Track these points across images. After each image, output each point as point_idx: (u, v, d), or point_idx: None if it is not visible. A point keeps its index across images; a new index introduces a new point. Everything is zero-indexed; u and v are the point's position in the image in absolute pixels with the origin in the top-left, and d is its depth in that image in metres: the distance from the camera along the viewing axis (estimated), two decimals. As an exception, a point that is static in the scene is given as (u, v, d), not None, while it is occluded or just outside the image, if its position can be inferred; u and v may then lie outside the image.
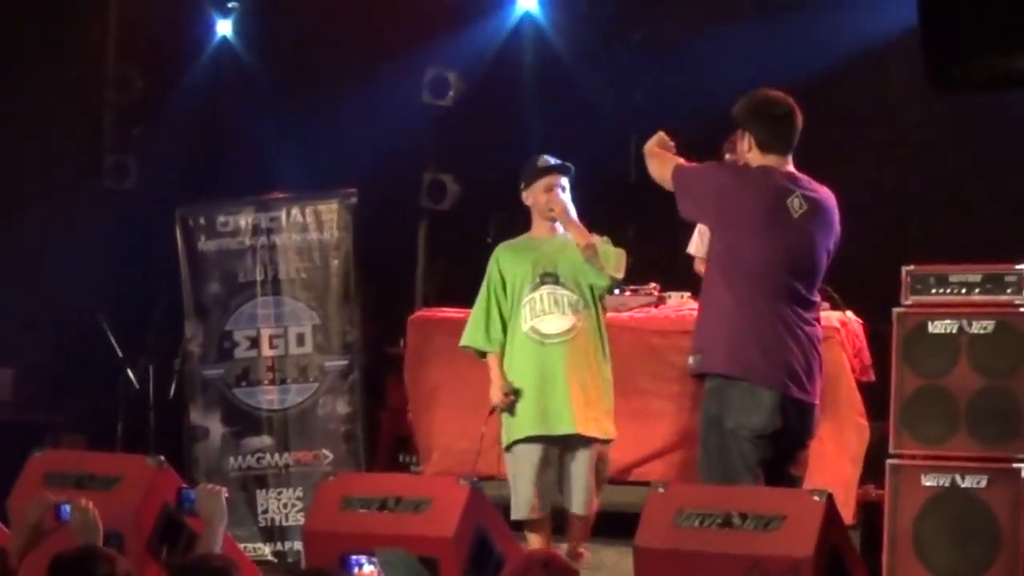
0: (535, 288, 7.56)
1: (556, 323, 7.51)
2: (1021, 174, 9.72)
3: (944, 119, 9.71)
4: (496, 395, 7.53)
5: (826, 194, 6.66)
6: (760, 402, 6.34)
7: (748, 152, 6.59)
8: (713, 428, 6.39)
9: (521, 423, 7.50)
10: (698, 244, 8.92)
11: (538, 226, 7.73)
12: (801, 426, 6.48)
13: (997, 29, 3.92)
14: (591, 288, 7.54)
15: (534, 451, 7.46)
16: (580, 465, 7.43)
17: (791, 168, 6.59)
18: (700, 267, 8.96)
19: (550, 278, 7.55)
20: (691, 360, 6.67)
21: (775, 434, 6.37)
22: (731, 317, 6.43)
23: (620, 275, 7.56)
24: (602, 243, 7.52)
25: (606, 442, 7.50)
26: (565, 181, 7.65)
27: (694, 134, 8.45)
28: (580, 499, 7.44)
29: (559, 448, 7.46)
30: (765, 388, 6.36)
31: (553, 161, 7.70)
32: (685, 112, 8.23)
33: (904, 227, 10.12)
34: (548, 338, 7.49)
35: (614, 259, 7.49)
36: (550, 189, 7.61)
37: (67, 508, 5.94)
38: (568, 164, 7.70)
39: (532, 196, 7.70)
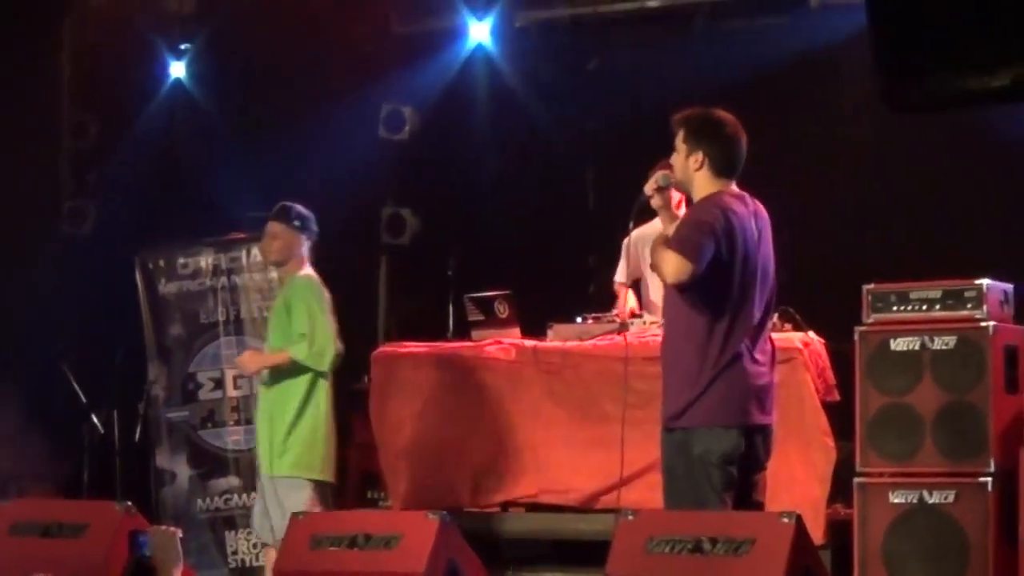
0: None
1: None
2: (976, 190, 9.78)
3: (897, 136, 9.76)
4: None
5: (763, 210, 6.50)
6: (727, 428, 6.31)
7: (697, 171, 6.43)
8: (680, 453, 6.36)
9: None
10: (624, 270, 8.98)
11: None
12: (764, 449, 6.47)
13: (949, 48, 3.95)
14: None
15: None
16: None
17: (736, 189, 6.50)
18: (619, 291, 9.02)
19: None
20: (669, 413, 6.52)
21: (740, 458, 6.35)
22: (712, 364, 6.31)
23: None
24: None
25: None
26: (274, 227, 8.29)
27: (651, 162, 8.46)
28: None
29: None
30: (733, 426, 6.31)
31: None
32: (640, 140, 8.23)
33: (860, 245, 10.15)
34: None
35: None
36: None
37: None
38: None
39: None
